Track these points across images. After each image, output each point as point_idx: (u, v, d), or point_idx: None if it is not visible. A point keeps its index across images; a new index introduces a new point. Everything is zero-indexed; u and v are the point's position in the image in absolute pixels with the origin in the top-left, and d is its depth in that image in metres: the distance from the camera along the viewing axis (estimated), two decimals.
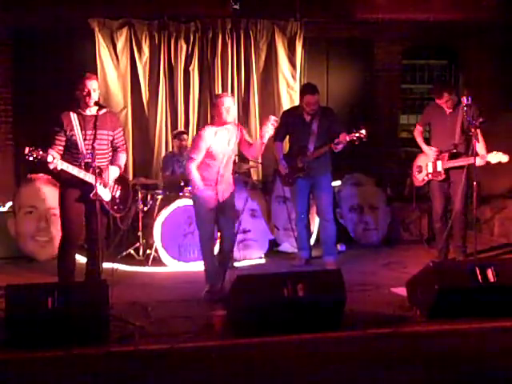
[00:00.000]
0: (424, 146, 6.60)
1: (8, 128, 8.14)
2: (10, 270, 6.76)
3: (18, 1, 7.73)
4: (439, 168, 6.41)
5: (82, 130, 5.22)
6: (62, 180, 5.31)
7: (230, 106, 5.47)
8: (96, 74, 5.31)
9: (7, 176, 8.08)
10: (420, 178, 6.65)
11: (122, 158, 5.54)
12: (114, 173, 5.39)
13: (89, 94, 5.20)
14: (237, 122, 5.88)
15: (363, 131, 6.23)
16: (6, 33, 7.97)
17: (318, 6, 8.31)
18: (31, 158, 4.94)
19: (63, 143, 5.24)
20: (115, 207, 5.45)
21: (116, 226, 6.59)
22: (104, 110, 5.25)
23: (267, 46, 8.23)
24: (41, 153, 4.96)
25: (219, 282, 5.56)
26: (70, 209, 5.30)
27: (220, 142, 5.50)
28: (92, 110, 5.27)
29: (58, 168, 5.09)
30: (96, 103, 5.24)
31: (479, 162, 6.07)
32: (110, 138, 5.40)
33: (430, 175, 6.51)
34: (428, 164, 6.51)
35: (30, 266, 6.89)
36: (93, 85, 5.24)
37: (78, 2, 7.74)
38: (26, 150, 4.92)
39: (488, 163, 6.14)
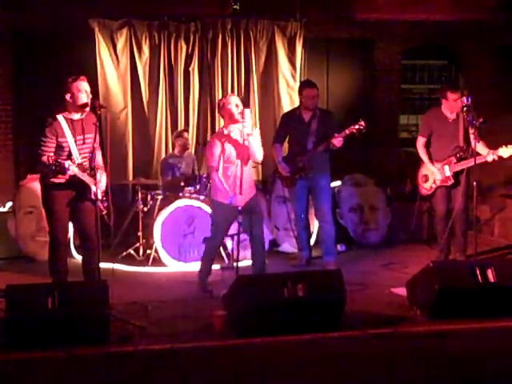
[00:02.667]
0: (428, 163, 6.44)
1: (8, 128, 8.14)
2: (9, 270, 6.76)
3: (18, 1, 7.73)
4: (448, 173, 6.32)
5: (73, 136, 5.21)
6: (47, 183, 5.26)
7: (238, 103, 5.54)
8: (87, 75, 5.31)
9: (7, 176, 8.08)
10: (428, 186, 6.51)
11: (100, 157, 5.56)
12: (104, 179, 5.41)
13: (76, 96, 5.15)
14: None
15: (362, 122, 6.25)
16: (6, 33, 7.97)
17: (318, 7, 8.31)
18: (53, 167, 4.98)
19: (53, 148, 5.20)
20: (104, 204, 5.46)
21: (115, 226, 6.58)
22: (86, 112, 5.21)
23: (267, 47, 8.23)
24: (59, 161, 4.99)
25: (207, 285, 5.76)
26: (57, 212, 5.31)
27: (233, 143, 5.54)
28: (79, 113, 5.25)
29: (73, 173, 5.09)
30: (92, 104, 5.20)
31: (491, 157, 6.06)
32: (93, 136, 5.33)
33: (437, 181, 6.42)
34: (434, 172, 6.42)
35: (30, 266, 6.88)
36: (83, 86, 5.20)
37: (78, 2, 7.74)
38: (50, 160, 4.93)
39: (500, 158, 6.08)
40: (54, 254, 5.42)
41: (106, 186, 5.45)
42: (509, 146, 6.03)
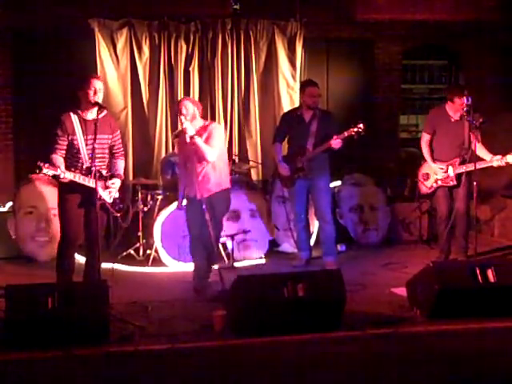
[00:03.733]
0: (431, 163, 6.43)
1: (8, 128, 8.14)
2: (10, 270, 6.76)
3: (18, 1, 7.73)
4: (451, 174, 6.32)
5: (83, 135, 5.22)
6: (62, 182, 5.28)
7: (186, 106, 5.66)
8: (87, 75, 5.38)
9: (7, 176, 8.09)
10: (428, 184, 6.50)
11: (122, 165, 5.57)
12: (117, 185, 5.42)
13: (95, 92, 5.20)
14: (207, 122, 5.87)
15: (361, 125, 6.23)
16: (6, 33, 7.97)
17: (318, 7, 8.32)
18: (43, 173, 5.01)
19: (65, 146, 5.24)
20: (116, 207, 5.47)
21: (116, 226, 6.59)
22: (104, 113, 5.23)
23: (267, 47, 8.23)
24: (51, 167, 4.99)
25: (205, 282, 5.76)
26: (70, 212, 5.29)
27: (183, 142, 5.67)
28: (93, 113, 5.25)
29: (67, 179, 5.10)
30: (97, 103, 5.22)
31: (497, 163, 6.07)
32: (109, 142, 5.41)
33: (439, 181, 6.42)
34: (436, 170, 6.40)
35: (30, 266, 6.89)
36: (97, 84, 5.25)
37: (78, 2, 7.75)
38: (41, 165, 4.93)
39: (507, 164, 6.09)
40: (61, 252, 5.40)
41: (122, 192, 5.50)
42: None
